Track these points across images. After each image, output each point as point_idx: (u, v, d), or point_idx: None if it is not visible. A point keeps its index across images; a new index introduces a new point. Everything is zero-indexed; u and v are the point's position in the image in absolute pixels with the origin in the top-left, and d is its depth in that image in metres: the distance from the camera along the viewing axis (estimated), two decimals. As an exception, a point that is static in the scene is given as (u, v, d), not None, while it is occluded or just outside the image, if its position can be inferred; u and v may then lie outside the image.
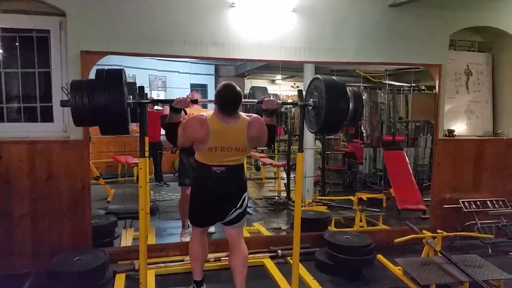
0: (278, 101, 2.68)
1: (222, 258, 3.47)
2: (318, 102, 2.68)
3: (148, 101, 2.62)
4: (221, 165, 2.54)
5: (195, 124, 2.47)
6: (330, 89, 2.60)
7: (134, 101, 2.39)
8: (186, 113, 2.49)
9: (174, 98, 2.51)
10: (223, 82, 2.53)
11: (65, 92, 2.35)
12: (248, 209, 2.90)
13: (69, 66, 3.26)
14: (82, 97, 2.21)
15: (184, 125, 2.51)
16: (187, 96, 2.59)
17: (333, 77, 2.75)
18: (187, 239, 4.24)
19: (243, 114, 2.56)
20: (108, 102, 2.19)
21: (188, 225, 4.31)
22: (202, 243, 2.82)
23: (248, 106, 4.67)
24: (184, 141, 2.55)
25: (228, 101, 2.47)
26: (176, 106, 2.51)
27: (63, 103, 2.31)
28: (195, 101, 2.66)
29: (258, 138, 2.61)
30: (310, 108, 2.76)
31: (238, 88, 2.49)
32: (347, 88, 2.78)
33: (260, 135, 2.60)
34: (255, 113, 2.68)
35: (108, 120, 2.26)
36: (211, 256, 3.37)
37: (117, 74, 2.31)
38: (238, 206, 2.63)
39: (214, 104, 2.50)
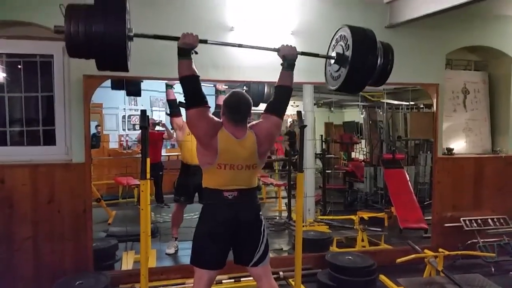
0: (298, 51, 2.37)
1: (223, 281, 3.45)
2: (342, 53, 2.38)
3: (151, 35, 2.29)
4: (233, 189, 2.22)
5: (209, 126, 2.17)
6: (357, 38, 2.30)
7: (133, 34, 2.18)
8: (196, 53, 2.22)
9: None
10: (232, 90, 2.32)
11: (62, 13, 2.05)
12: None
13: (71, 90, 3.32)
14: (78, 23, 1.97)
15: (202, 113, 2.17)
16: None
17: (361, 27, 2.43)
18: (170, 250, 4.31)
19: (248, 128, 2.26)
20: (107, 30, 1.95)
21: (176, 237, 4.36)
22: None
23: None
24: (191, 123, 2.20)
25: (239, 105, 2.23)
26: (184, 45, 2.15)
27: (57, 29, 2.06)
28: (204, 41, 2.27)
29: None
30: (332, 62, 2.50)
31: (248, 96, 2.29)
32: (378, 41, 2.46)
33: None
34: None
35: (106, 52, 2.02)
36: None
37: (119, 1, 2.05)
38: (262, 238, 2.30)
39: (222, 115, 2.25)
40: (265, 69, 3.67)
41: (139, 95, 5.07)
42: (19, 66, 3.47)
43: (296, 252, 2.79)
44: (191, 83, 2.17)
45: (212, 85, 4.88)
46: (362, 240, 4.57)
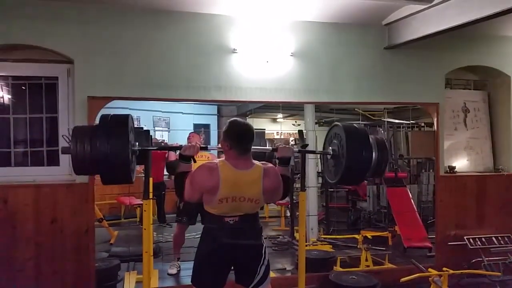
0: (295, 148, 2.55)
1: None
2: (338, 150, 2.54)
3: (154, 148, 2.54)
4: (234, 215, 2.22)
5: (204, 173, 2.18)
6: (350, 137, 2.47)
7: (139, 148, 2.30)
8: (195, 161, 2.36)
9: (182, 144, 2.39)
10: (230, 119, 2.31)
11: (66, 140, 2.22)
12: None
13: (76, 111, 3.36)
14: (83, 144, 2.10)
15: (191, 176, 2.23)
16: (195, 143, 2.43)
17: (353, 124, 2.61)
18: (173, 270, 4.30)
19: (256, 162, 2.27)
20: (111, 151, 2.07)
21: (178, 258, 4.33)
22: None
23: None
24: (192, 194, 2.24)
25: (241, 134, 2.21)
26: (185, 154, 2.32)
27: (64, 150, 2.20)
28: (204, 148, 2.53)
29: (273, 191, 2.30)
30: (329, 157, 2.63)
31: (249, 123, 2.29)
32: (370, 136, 2.63)
33: (276, 187, 2.29)
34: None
35: (110, 170, 2.14)
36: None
37: (122, 121, 2.18)
38: (262, 261, 2.29)
39: (224, 145, 2.23)
40: (267, 89, 3.73)
41: None
42: (24, 88, 3.53)
43: (299, 271, 2.77)
44: (183, 178, 2.27)
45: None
46: (366, 260, 4.53)
